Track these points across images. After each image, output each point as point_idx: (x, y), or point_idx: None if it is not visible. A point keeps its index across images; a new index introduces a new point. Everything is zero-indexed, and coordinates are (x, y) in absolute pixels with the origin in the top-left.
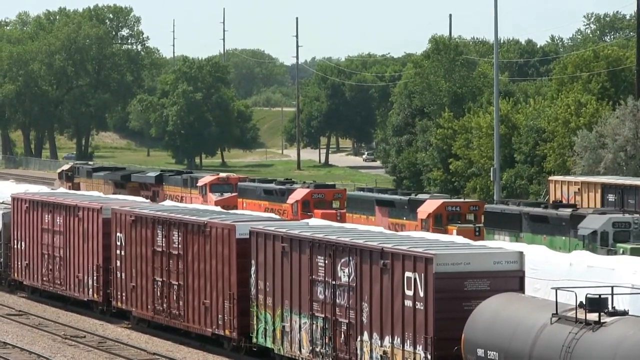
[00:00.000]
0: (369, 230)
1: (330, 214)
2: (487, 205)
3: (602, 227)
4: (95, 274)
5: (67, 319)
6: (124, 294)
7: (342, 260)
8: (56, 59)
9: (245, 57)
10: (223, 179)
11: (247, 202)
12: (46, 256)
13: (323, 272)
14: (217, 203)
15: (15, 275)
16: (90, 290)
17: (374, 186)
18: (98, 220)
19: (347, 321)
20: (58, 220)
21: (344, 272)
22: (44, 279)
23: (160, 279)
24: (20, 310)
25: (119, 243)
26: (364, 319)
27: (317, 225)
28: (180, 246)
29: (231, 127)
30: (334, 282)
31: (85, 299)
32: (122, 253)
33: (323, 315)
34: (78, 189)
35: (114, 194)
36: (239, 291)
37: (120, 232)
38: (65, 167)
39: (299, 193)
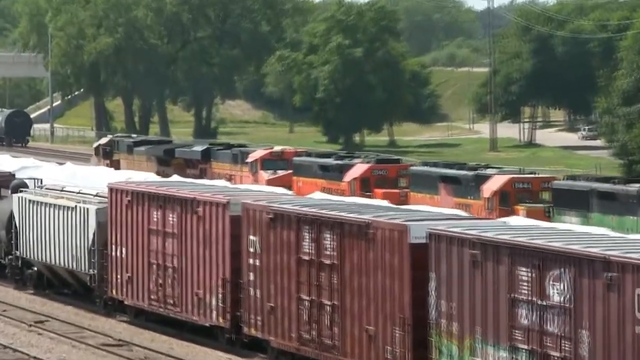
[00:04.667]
0: (588, 233)
1: (393, 193)
2: (555, 182)
3: None
4: (220, 291)
5: (182, 350)
6: (259, 318)
7: (553, 272)
8: (167, 3)
9: None
10: (277, 154)
11: (303, 181)
12: (155, 267)
13: (527, 288)
14: (269, 182)
15: (114, 292)
16: (214, 312)
17: (480, 163)
18: (224, 218)
19: (560, 355)
20: (170, 219)
21: (555, 288)
22: (152, 297)
23: (308, 298)
24: (120, 340)
25: (252, 249)
26: (583, 352)
27: (518, 226)
28: (334, 254)
29: (402, 94)
30: (541, 302)
31: (207, 325)
32: (257, 263)
33: (527, 347)
34: (117, 167)
35: (157, 173)
36: (414, 315)
37: (255, 235)
38: (103, 141)
39: (358, 169)
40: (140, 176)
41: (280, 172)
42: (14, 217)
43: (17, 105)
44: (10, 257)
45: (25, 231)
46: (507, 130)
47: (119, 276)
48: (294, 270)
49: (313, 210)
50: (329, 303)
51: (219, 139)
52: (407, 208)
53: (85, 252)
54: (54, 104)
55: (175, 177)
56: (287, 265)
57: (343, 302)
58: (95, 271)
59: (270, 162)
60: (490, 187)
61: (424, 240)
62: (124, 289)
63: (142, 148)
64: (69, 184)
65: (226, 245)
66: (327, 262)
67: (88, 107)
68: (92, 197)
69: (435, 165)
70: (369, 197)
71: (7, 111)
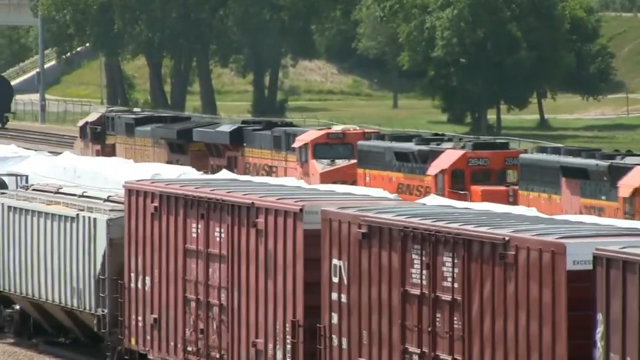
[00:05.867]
0: None
1: (497, 192)
2: None
3: None
4: (289, 340)
5: None
6: None
7: None
8: None
9: None
10: (335, 136)
11: (371, 174)
12: (193, 304)
13: None
14: (323, 177)
15: (132, 341)
16: None
17: (619, 150)
18: (296, 233)
19: None
20: (217, 234)
21: None
22: (189, 348)
23: (418, 351)
24: None
25: (336, 279)
26: None
27: None
28: (456, 285)
29: (559, 52)
30: None
31: None
32: (343, 299)
33: None
34: (112, 154)
35: (169, 162)
36: None
37: (340, 258)
38: (91, 118)
39: (448, 157)
40: (172, 171)
41: (340, 162)
42: None
43: None
44: None
45: (4, 252)
46: None
47: (140, 318)
48: (397, 310)
49: (426, 221)
50: (448, 359)
51: (288, 116)
52: (564, 219)
53: (92, 283)
54: (46, 66)
55: (225, 173)
56: (388, 303)
57: (469, 357)
58: (106, 311)
59: (326, 147)
60: (628, 182)
61: (586, 266)
62: (148, 337)
63: (147, 128)
64: (67, 182)
65: (298, 273)
66: (446, 297)
67: (96, 71)
68: (101, 202)
69: (556, 152)
70: (463, 196)
71: None
